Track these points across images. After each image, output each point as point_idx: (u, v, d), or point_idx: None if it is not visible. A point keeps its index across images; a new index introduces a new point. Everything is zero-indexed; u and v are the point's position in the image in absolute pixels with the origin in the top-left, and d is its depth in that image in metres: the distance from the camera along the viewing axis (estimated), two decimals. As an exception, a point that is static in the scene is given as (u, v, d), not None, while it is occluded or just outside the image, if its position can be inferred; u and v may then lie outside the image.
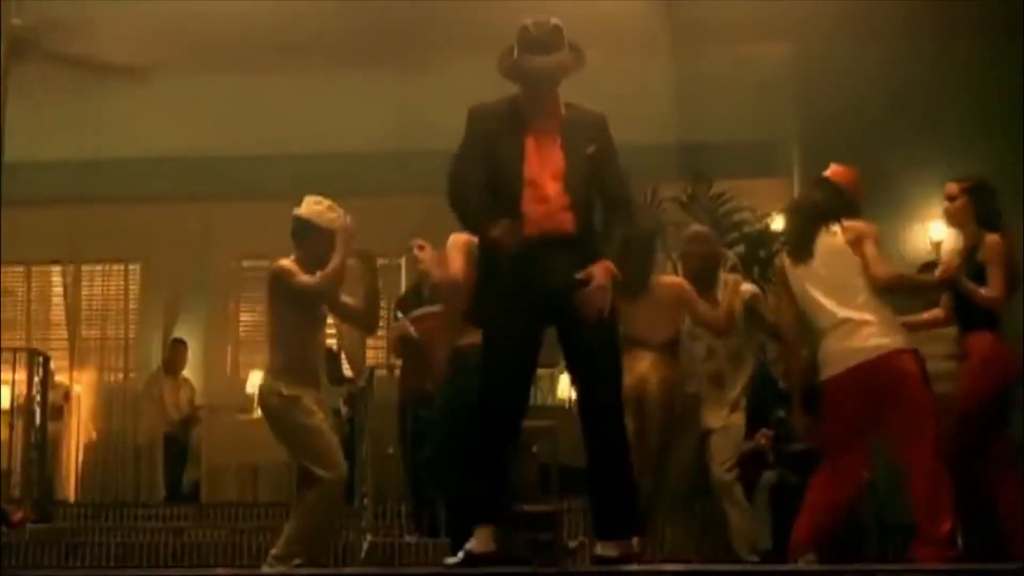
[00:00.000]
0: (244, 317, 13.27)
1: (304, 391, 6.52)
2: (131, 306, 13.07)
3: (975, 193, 6.73)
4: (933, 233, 10.34)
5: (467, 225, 5.61)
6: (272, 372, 6.64)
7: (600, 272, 5.22)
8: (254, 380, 12.59)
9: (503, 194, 5.34)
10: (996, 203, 6.77)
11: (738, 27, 10.42)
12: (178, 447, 12.11)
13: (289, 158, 12.03)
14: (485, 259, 5.49)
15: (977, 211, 6.68)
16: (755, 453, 8.49)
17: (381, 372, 10.50)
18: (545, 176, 5.34)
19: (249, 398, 12.56)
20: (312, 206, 6.65)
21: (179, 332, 12.62)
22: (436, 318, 7.18)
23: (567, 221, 5.32)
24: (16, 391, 11.00)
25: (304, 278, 6.50)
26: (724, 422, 7.44)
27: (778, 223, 10.61)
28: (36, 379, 10.87)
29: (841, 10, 10.07)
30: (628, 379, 6.12)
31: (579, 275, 5.20)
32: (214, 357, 13.00)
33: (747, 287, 7.67)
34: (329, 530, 7.05)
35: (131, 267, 13.07)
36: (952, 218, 6.79)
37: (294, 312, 6.58)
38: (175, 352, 12.33)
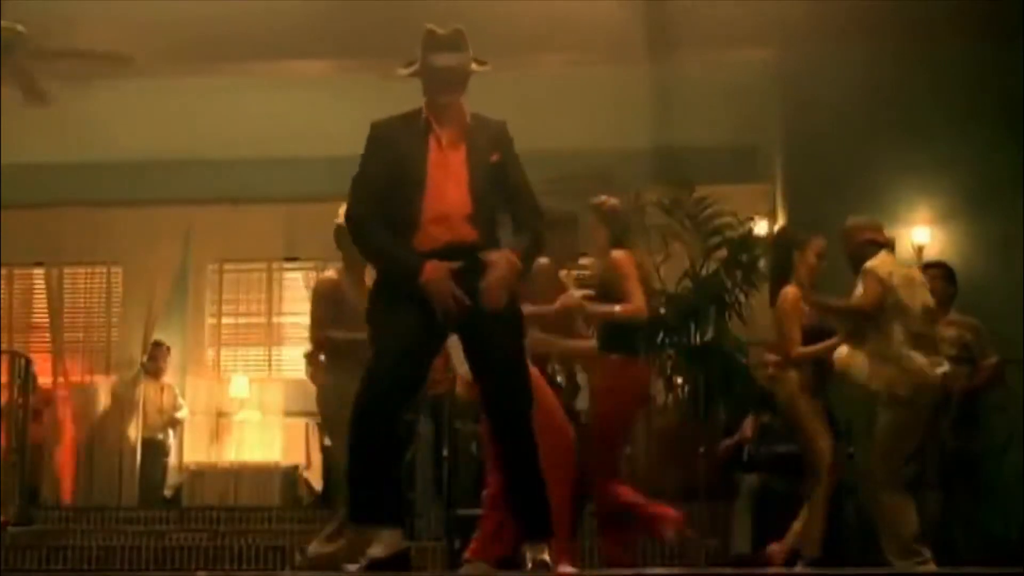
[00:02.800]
0: (226, 320, 13.25)
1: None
2: (113, 309, 13.03)
3: (601, 213, 6.78)
4: (916, 238, 10.38)
5: (367, 251, 5.56)
6: (328, 371, 7.04)
7: (500, 260, 5.19)
8: (236, 383, 12.62)
9: (405, 203, 5.30)
10: (624, 221, 6.83)
11: (720, 32, 10.44)
12: (159, 450, 12.09)
13: (271, 161, 12.04)
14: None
15: (607, 231, 6.73)
16: (737, 448, 8.53)
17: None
18: (449, 184, 5.32)
19: (231, 401, 12.58)
20: None
21: (160, 335, 12.60)
22: None
23: (469, 230, 5.29)
24: (-2, 394, 10.98)
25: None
26: None
27: (761, 228, 10.65)
28: (17, 382, 10.84)
29: (822, 14, 10.10)
30: None
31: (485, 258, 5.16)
32: (195, 360, 12.97)
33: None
34: None
35: (113, 270, 13.04)
36: (591, 243, 6.87)
37: (341, 323, 6.92)
38: (156, 355, 12.31)
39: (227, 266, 13.25)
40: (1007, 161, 9.96)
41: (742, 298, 9.98)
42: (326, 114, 10.83)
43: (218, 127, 11.44)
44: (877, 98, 10.47)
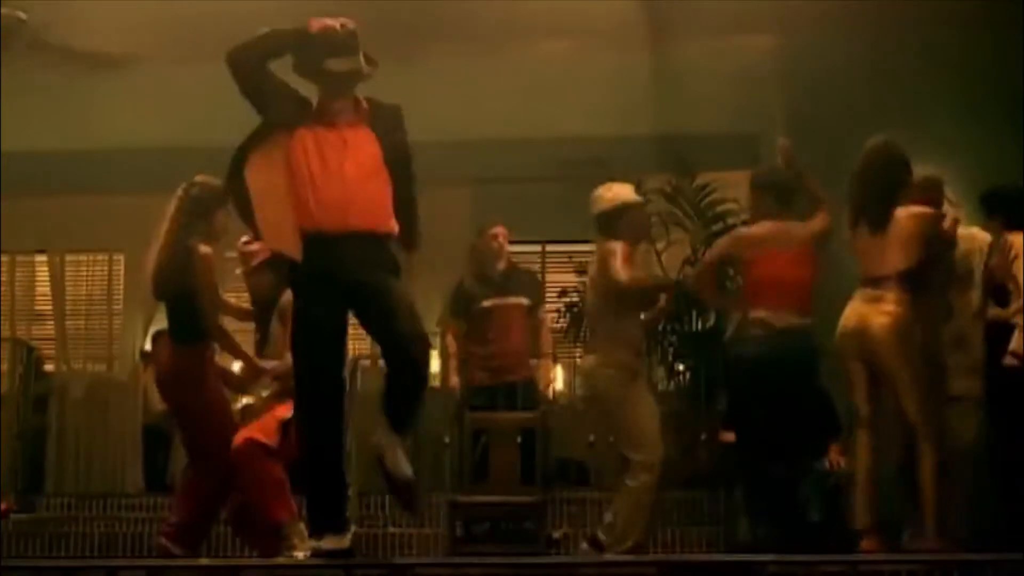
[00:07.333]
0: (227, 305, 13.22)
1: (636, 375, 7.06)
2: (115, 296, 13.01)
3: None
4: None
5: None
6: (603, 354, 7.05)
7: None
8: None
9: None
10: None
11: (722, 18, 10.43)
12: (161, 437, 12.08)
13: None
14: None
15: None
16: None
17: (365, 363, 10.48)
18: (350, 168, 5.53)
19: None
20: (620, 191, 7.21)
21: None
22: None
23: (365, 211, 5.51)
24: (0, 381, 10.98)
25: (630, 275, 7.02)
26: (966, 390, 6.95)
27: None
28: (19, 369, 10.85)
29: (825, 2, 10.09)
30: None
31: None
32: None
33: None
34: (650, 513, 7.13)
35: (115, 257, 13.01)
36: None
37: (618, 298, 7.01)
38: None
39: (228, 253, 13.21)
40: (1009, 150, 9.94)
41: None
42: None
43: (222, 114, 11.39)
44: (879, 85, 10.47)
